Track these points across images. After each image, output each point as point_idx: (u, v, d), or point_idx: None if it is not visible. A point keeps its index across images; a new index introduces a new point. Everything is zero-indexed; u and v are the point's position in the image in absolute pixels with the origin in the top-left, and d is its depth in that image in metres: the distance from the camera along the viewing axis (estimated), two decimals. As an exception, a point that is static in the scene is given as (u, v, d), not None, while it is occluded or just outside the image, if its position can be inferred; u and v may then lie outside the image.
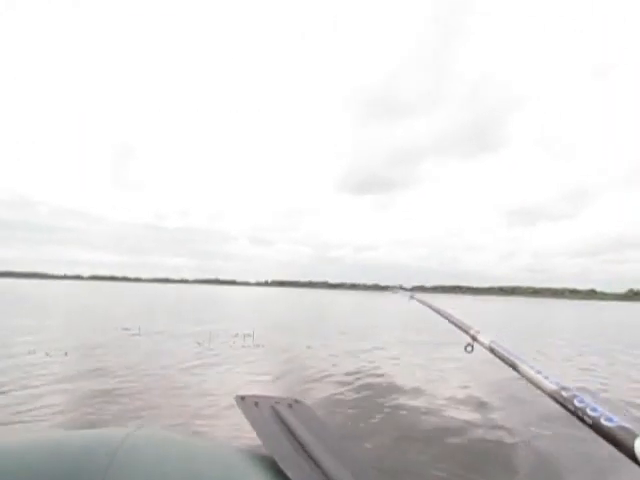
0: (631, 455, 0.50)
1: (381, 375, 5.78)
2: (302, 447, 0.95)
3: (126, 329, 9.91)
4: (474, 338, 1.12)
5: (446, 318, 1.43)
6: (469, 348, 1.13)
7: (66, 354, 6.45)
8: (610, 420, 0.54)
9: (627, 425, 0.53)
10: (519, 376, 0.79)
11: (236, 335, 9.33)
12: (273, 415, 1.12)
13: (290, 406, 1.20)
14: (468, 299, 79.35)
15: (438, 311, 1.58)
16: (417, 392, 4.92)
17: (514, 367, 0.83)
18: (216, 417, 3.68)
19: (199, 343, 8.05)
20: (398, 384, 5.28)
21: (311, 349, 7.97)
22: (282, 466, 0.83)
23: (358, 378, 5.50)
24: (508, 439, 3.40)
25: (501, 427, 3.71)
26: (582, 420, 0.58)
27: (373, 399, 4.53)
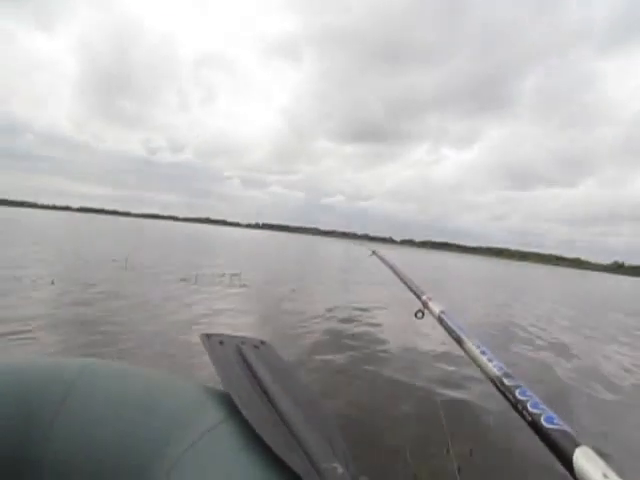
0: (568, 465, 0.45)
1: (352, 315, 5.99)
2: (261, 387, 0.97)
3: (114, 260, 9.98)
4: (425, 305, 1.09)
5: (402, 280, 1.41)
6: (419, 314, 1.12)
7: (52, 282, 6.51)
8: (551, 421, 0.49)
9: (569, 430, 0.48)
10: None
11: (222, 275, 9.43)
12: (237, 354, 1.12)
13: (256, 347, 1.20)
14: (454, 257, 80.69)
15: (395, 271, 1.57)
16: (372, 323, 5.13)
17: (459, 342, 0.79)
18: (184, 353, 3.75)
19: (184, 279, 8.15)
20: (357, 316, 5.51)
21: (295, 292, 8.16)
22: (237, 403, 0.85)
23: (331, 316, 5.69)
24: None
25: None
26: (521, 414, 0.54)
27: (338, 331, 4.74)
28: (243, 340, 1.22)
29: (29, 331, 3.83)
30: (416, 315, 1.11)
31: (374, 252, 2.08)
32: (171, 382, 0.94)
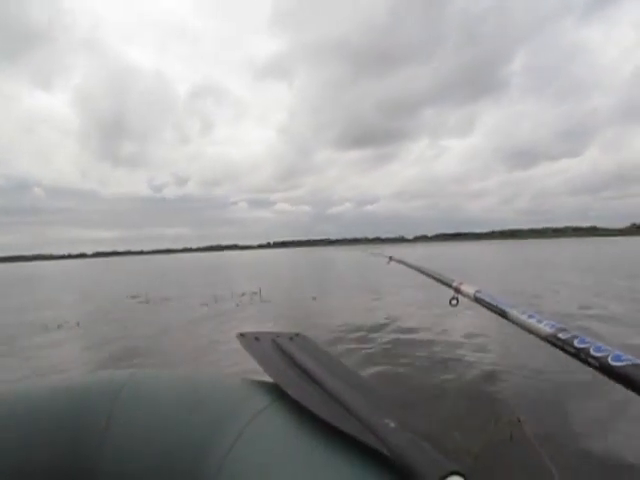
0: None
1: (379, 316, 5.95)
2: (303, 372, 0.96)
3: (134, 297, 10.08)
4: (457, 290, 1.06)
5: (427, 274, 1.39)
6: (454, 301, 1.09)
7: (78, 324, 6.59)
8: (619, 358, 0.48)
9: None
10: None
11: (243, 294, 9.47)
12: (274, 347, 1.13)
13: (291, 339, 1.20)
14: (468, 245, 79.99)
15: (418, 268, 1.54)
16: (408, 329, 5.09)
17: (503, 314, 0.78)
18: (223, 357, 3.86)
19: (205, 304, 8.20)
20: (390, 321, 5.47)
21: (316, 300, 8.16)
22: (283, 386, 0.85)
23: (358, 320, 5.66)
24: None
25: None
26: (586, 362, 0.52)
27: (373, 332, 4.78)
28: (278, 334, 1.22)
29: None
30: (450, 303, 1.08)
31: (391, 258, 2.02)
32: (214, 379, 0.96)
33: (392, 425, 0.68)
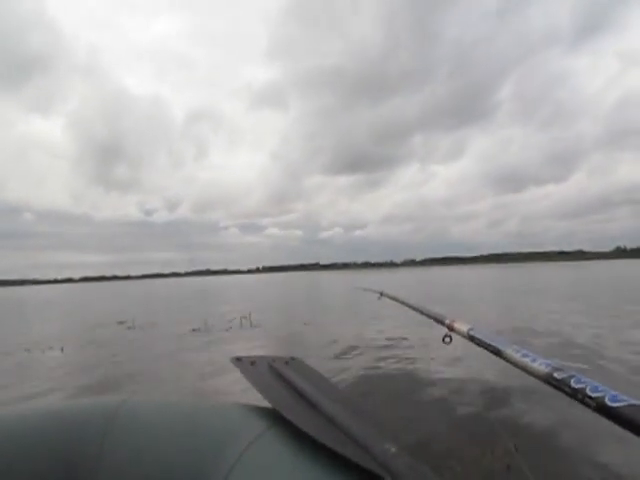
0: None
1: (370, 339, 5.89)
2: (303, 398, 0.95)
3: (121, 322, 9.89)
4: (450, 328, 1.03)
5: (418, 311, 1.35)
6: (447, 339, 1.05)
7: (62, 350, 6.42)
8: (615, 399, 0.47)
9: (638, 402, 0.46)
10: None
11: (232, 319, 9.36)
12: (271, 371, 1.12)
13: (287, 363, 1.20)
14: (455, 269, 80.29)
15: (410, 305, 1.51)
16: (397, 357, 5.02)
17: (497, 353, 0.77)
18: (217, 382, 3.77)
19: (196, 329, 8.07)
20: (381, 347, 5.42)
21: (307, 325, 8.08)
22: (280, 410, 0.84)
23: (346, 344, 5.60)
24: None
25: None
26: (583, 402, 0.51)
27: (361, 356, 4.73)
28: (273, 358, 1.22)
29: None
30: (444, 340, 1.06)
31: (382, 294, 1.96)
32: (210, 406, 0.95)
33: (393, 450, 0.68)
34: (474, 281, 25.21)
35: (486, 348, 0.81)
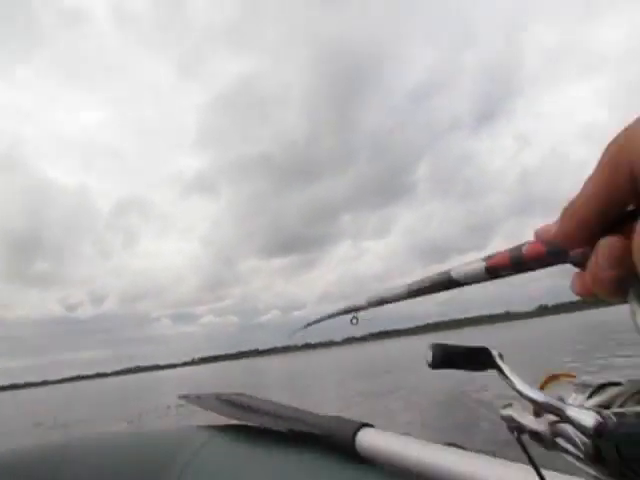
0: None
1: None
2: (251, 410, 0.98)
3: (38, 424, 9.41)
4: None
5: None
6: None
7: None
8: None
9: None
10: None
11: (168, 407, 9.38)
12: (220, 402, 1.12)
13: (236, 394, 1.18)
14: (393, 342, 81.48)
15: None
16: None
17: None
18: None
19: (129, 422, 8.07)
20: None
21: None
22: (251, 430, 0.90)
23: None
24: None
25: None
26: None
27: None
28: (219, 394, 1.22)
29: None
30: None
31: None
32: (151, 431, 1.21)
33: (321, 414, 0.80)
34: (407, 355, 26.28)
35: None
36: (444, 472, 0.47)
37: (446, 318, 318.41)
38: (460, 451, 0.50)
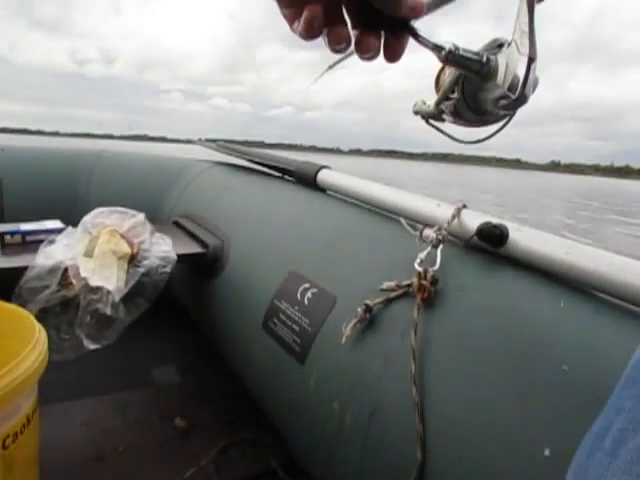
0: None
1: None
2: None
3: None
4: None
5: None
6: None
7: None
8: None
9: None
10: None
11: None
12: (218, 146, 1.28)
13: (230, 141, 1.43)
14: (399, 164, 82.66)
15: None
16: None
17: None
18: None
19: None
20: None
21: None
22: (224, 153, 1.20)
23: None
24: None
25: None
26: None
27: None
28: (218, 141, 1.36)
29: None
30: None
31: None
32: (165, 157, 1.43)
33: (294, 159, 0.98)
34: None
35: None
36: (382, 202, 0.67)
37: (456, 151, 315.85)
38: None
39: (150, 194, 1.18)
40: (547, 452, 0.31)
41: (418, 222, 0.56)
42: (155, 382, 0.93)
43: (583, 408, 0.31)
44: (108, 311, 0.60)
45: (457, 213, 0.52)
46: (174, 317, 1.08)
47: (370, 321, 0.48)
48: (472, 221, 0.50)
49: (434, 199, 0.58)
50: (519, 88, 0.29)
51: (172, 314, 1.05)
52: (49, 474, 0.54)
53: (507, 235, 0.46)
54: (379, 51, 0.27)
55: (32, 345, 0.46)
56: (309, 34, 0.26)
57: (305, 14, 0.26)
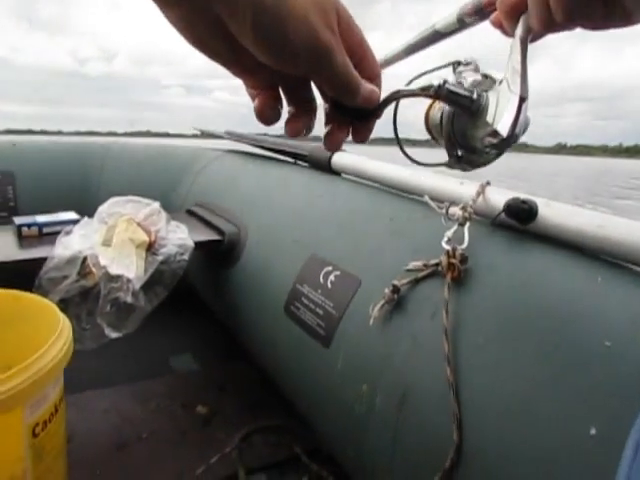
0: None
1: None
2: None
3: None
4: None
5: None
6: None
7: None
8: None
9: None
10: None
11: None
12: (229, 134, 1.27)
13: (239, 134, 1.30)
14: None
15: None
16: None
17: None
18: None
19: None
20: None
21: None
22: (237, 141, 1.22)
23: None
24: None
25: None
26: None
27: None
28: (229, 131, 1.37)
29: None
30: None
31: None
32: (174, 146, 1.45)
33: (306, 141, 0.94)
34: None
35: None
36: (401, 182, 0.66)
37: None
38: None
39: (162, 183, 1.19)
40: (593, 431, 0.30)
41: (441, 201, 0.55)
42: (175, 370, 0.94)
43: (630, 384, 0.30)
44: (129, 299, 0.60)
45: (482, 190, 0.51)
46: (192, 306, 1.08)
47: (398, 302, 0.47)
48: (498, 198, 0.49)
49: (456, 177, 0.57)
50: (509, 128, 0.28)
51: (189, 303, 1.06)
52: (73, 462, 0.55)
53: (536, 210, 0.45)
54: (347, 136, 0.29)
55: (57, 334, 0.46)
56: (262, 122, 0.27)
57: (255, 104, 0.26)
